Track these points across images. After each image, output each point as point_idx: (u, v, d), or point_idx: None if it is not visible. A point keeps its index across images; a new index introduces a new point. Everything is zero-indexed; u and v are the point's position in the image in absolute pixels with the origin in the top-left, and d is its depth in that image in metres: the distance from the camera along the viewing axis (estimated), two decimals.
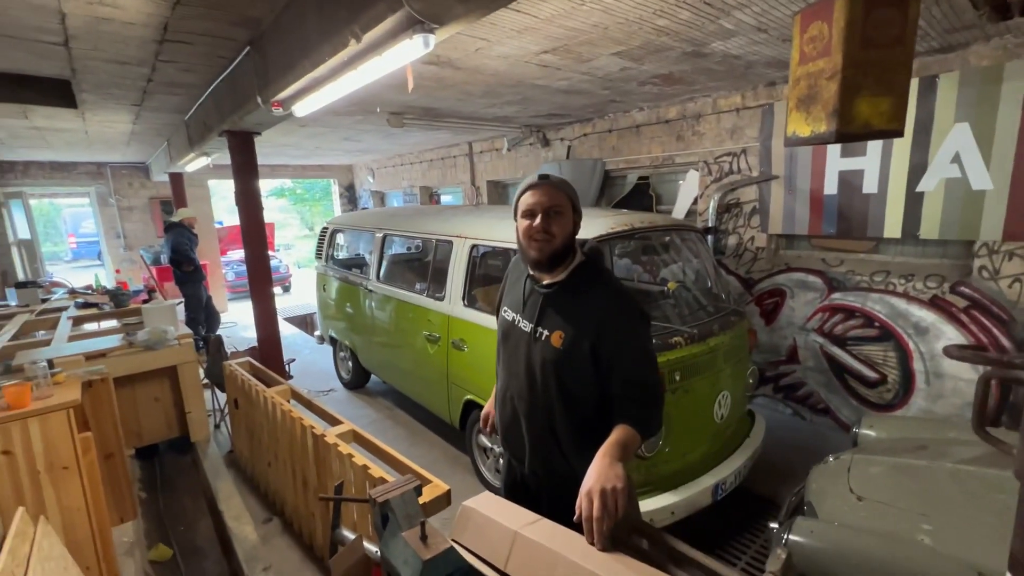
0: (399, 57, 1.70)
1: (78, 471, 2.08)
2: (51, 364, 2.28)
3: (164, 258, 6.51)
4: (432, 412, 3.89)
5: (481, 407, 3.19)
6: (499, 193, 7.37)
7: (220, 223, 13.14)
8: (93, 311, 4.61)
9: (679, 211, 4.79)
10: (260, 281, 4.15)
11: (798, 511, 2.34)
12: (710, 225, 4.35)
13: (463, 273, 3.32)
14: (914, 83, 3.17)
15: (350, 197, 11.33)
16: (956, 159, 3.12)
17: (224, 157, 4.27)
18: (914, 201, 3.31)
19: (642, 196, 5.23)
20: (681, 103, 4.51)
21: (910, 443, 2.51)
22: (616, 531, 1.25)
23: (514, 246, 3.11)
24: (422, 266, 4.15)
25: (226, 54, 2.76)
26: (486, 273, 4.45)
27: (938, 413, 3.39)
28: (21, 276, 7.63)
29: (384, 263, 4.55)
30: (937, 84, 3.12)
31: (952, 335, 3.30)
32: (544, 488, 1.65)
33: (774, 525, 2.22)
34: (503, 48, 2.75)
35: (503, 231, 3.22)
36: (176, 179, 7.58)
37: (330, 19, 1.87)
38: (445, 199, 8.70)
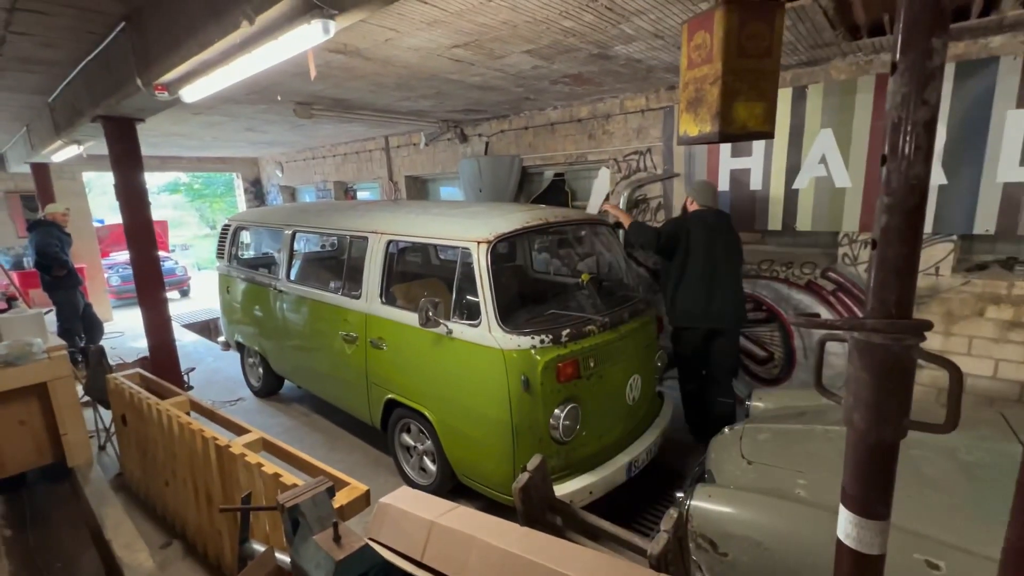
0: (298, 42, 1.61)
1: None
2: None
3: (28, 261, 5.66)
4: (351, 415, 3.76)
5: (403, 405, 3.14)
6: (418, 188, 7.24)
7: (101, 221, 11.66)
8: None
9: (593, 207, 5.01)
10: (149, 285, 3.75)
11: (700, 480, 2.57)
12: None
13: (380, 270, 3.24)
14: (788, 92, 3.57)
15: (256, 192, 10.55)
16: (823, 160, 3.56)
17: (100, 146, 3.79)
18: (791, 197, 3.74)
19: (559, 192, 5.40)
20: (592, 103, 4.71)
21: (792, 411, 2.84)
22: (531, 510, 1.30)
23: (433, 241, 3.14)
24: (337, 264, 3.99)
25: (96, 29, 2.45)
26: (404, 270, 4.37)
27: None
28: None
29: (295, 262, 4.31)
30: (807, 93, 3.54)
31: (824, 315, 3.78)
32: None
33: (680, 493, 2.41)
34: (414, 40, 2.71)
35: (422, 226, 3.18)
36: (40, 170, 6.60)
37: None
38: (362, 195, 8.38)
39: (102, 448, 3.73)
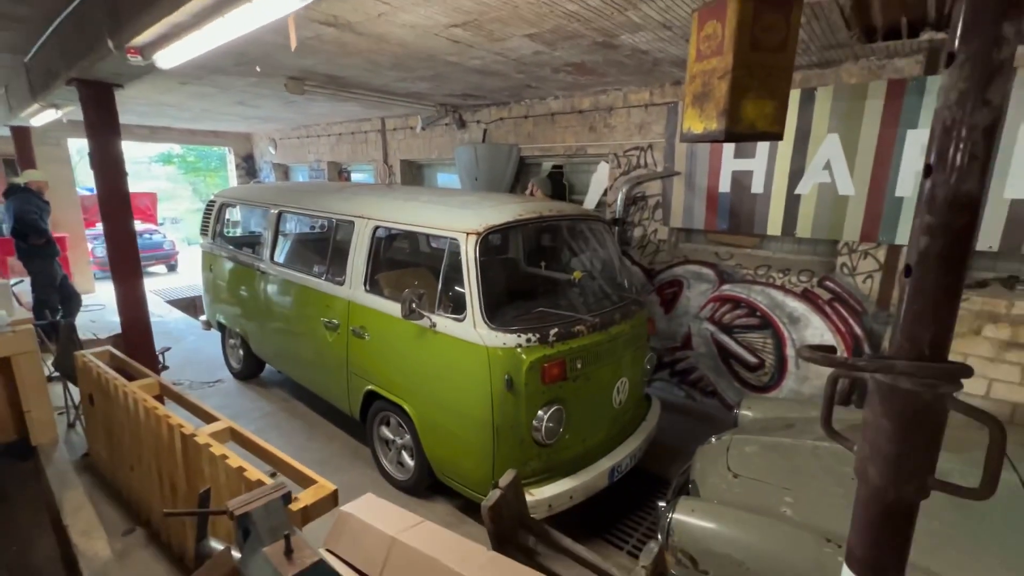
0: (276, 6, 1.48)
1: None
2: None
3: (5, 228, 5.47)
4: (331, 403, 3.66)
5: (382, 398, 3.04)
6: (414, 173, 7.08)
7: (90, 190, 11.36)
8: None
9: (590, 201, 4.89)
10: (124, 259, 3.61)
11: (684, 490, 2.49)
12: (617, 216, 4.48)
13: (365, 256, 3.12)
14: (796, 94, 3.45)
15: (248, 168, 10.32)
16: (827, 166, 3.46)
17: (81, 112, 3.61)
18: (792, 202, 3.64)
19: (556, 185, 5.27)
20: (594, 94, 4.57)
21: (780, 422, 2.77)
22: (502, 529, 1.21)
23: (420, 230, 3.05)
24: (322, 248, 3.86)
25: None
26: (391, 257, 4.25)
27: (804, 394, 3.80)
28: None
29: (280, 243, 4.17)
30: (815, 96, 3.43)
31: (818, 324, 3.70)
32: None
33: (662, 503, 2.33)
34: (408, 16, 2.56)
35: (411, 213, 3.05)
36: (21, 134, 6.37)
37: None
38: (356, 176, 8.20)
39: (71, 426, 3.61)
